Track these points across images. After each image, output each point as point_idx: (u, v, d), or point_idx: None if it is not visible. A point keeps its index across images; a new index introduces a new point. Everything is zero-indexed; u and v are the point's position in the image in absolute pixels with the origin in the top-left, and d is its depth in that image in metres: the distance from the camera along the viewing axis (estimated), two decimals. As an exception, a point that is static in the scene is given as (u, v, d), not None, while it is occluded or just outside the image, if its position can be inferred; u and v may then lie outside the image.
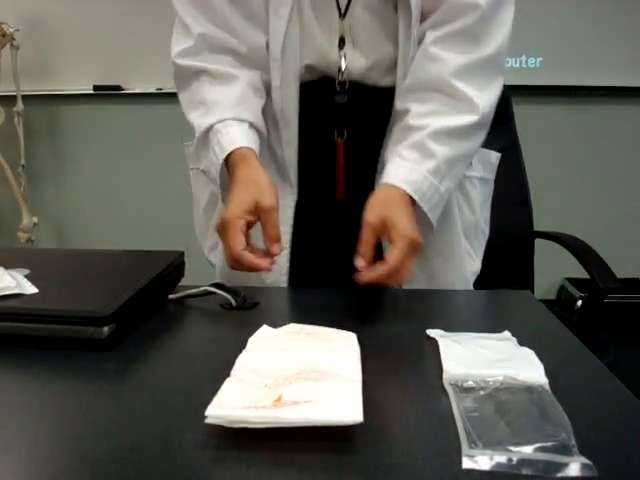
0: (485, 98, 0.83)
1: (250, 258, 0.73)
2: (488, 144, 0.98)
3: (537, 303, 0.82)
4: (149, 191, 2.74)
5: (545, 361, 0.58)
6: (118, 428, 0.49)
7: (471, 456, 0.44)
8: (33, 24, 2.52)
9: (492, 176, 1.03)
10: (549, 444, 0.44)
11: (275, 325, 0.67)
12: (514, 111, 1.53)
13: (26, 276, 0.74)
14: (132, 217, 2.77)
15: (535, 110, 2.54)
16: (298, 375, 0.52)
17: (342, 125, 0.90)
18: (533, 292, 1.38)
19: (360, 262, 0.73)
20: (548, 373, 0.55)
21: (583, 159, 2.66)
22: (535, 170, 1.60)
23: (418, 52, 0.85)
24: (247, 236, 0.76)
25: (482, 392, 0.52)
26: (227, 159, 0.81)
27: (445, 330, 0.67)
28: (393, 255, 0.72)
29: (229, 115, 0.83)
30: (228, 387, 0.51)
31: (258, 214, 0.75)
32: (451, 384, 0.55)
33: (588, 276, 1.32)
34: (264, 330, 0.66)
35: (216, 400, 0.49)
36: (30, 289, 0.71)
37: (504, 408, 0.50)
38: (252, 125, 0.85)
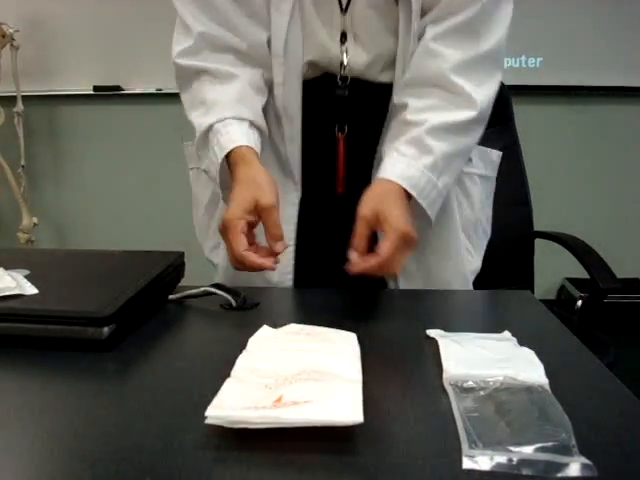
0: (483, 93, 0.83)
1: (252, 258, 0.73)
2: (488, 144, 0.99)
3: (537, 303, 0.82)
4: (149, 191, 2.74)
5: (545, 361, 0.58)
6: (118, 428, 0.49)
7: (471, 456, 0.44)
8: (33, 24, 2.51)
9: (493, 174, 1.03)
10: (549, 444, 0.44)
11: (275, 325, 0.67)
12: (514, 111, 1.53)
13: (26, 277, 0.74)
14: (132, 217, 2.77)
15: (535, 110, 2.54)
16: (298, 375, 0.52)
17: (343, 120, 0.91)
18: (533, 292, 1.38)
19: (351, 253, 0.74)
20: (548, 373, 0.55)
21: (583, 159, 2.66)
22: (535, 170, 1.60)
23: (418, 48, 0.85)
24: (250, 235, 0.76)
25: (482, 392, 0.52)
26: (228, 158, 0.81)
27: (445, 330, 0.67)
28: (384, 247, 0.73)
29: (229, 114, 0.83)
30: (228, 387, 0.51)
31: (259, 213, 0.75)
32: (451, 384, 0.55)
33: (588, 276, 1.32)
34: (264, 330, 0.66)
35: (216, 400, 0.49)
36: (30, 290, 0.71)
37: (504, 408, 0.50)
38: (252, 124, 0.85)
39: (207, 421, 0.46)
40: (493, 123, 0.89)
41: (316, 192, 0.95)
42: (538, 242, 1.56)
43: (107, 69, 2.58)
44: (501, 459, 0.43)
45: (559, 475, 0.42)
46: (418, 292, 0.89)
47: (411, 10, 0.82)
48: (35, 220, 2.55)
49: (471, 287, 0.98)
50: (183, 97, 0.91)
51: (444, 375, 0.56)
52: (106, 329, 0.63)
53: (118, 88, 2.60)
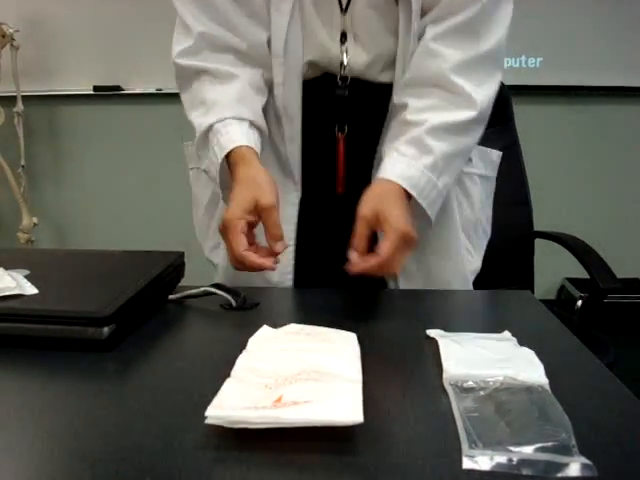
0: (483, 93, 0.83)
1: (252, 258, 0.73)
2: (488, 144, 0.99)
3: (537, 303, 0.82)
4: (149, 191, 2.74)
5: (545, 361, 0.58)
6: (118, 428, 0.49)
7: (471, 456, 0.44)
8: (33, 24, 2.51)
9: (493, 174, 1.03)
10: (549, 444, 0.44)
11: (275, 325, 0.67)
12: (514, 111, 1.53)
13: (26, 277, 0.74)
14: (132, 217, 2.77)
15: (535, 110, 2.54)
16: (298, 375, 0.52)
17: (343, 120, 0.91)
18: (533, 292, 1.38)
19: (352, 253, 0.74)
20: (548, 373, 0.55)
21: (583, 159, 2.66)
22: (535, 170, 1.60)
23: (418, 48, 0.85)
24: (250, 235, 0.76)
25: (482, 392, 0.52)
26: (228, 158, 0.81)
27: (445, 330, 0.67)
28: (384, 247, 0.73)
29: (229, 114, 0.83)
30: (228, 387, 0.51)
31: (259, 213, 0.75)
32: (451, 384, 0.55)
33: (588, 276, 1.32)
34: (264, 330, 0.66)
35: (216, 400, 0.49)
36: (30, 290, 0.71)
37: (504, 408, 0.50)
38: (252, 124, 0.85)
39: (207, 421, 0.46)
40: (493, 123, 0.89)
41: (316, 192, 0.95)
42: (538, 242, 1.56)
43: (107, 69, 2.58)
44: (501, 459, 0.43)
45: (559, 475, 0.42)
46: (418, 292, 0.89)
47: (411, 10, 0.82)
48: (35, 220, 2.55)
49: (471, 287, 0.99)
50: (183, 97, 0.91)
51: (444, 375, 0.56)
52: (106, 329, 0.63)
53: (118, 88, 2.60)
